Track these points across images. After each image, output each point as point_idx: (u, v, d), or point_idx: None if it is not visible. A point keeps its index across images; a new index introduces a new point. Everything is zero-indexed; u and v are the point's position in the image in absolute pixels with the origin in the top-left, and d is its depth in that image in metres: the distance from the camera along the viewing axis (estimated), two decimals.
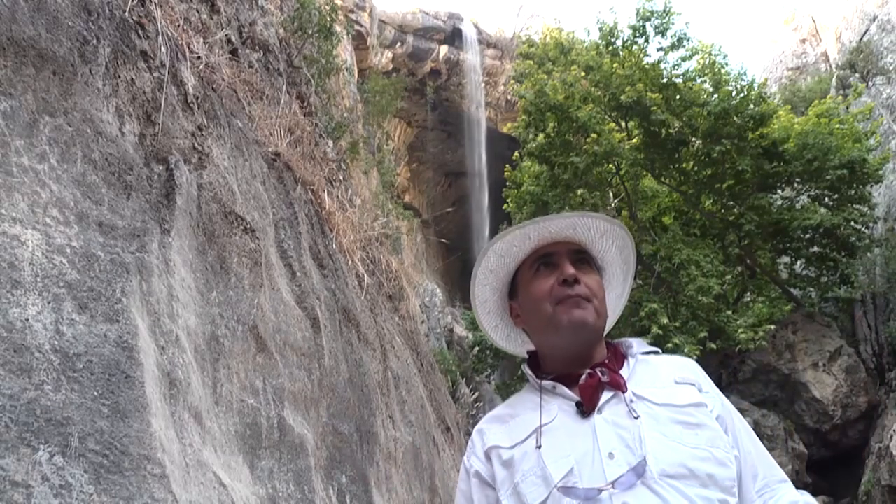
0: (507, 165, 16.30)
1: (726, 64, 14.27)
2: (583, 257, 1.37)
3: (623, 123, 14.61)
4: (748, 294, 15.05)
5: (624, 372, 1.31)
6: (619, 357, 1.36)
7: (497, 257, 1.39)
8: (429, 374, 6.09)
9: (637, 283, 13.73)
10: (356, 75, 16.75)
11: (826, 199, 13.97)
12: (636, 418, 1.20)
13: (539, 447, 1.22)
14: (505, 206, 16.32)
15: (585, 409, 1.24)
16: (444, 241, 21.15)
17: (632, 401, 1.24)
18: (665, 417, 1.22)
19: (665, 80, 13.64)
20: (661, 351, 1.44)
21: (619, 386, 1.26)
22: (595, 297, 1.31)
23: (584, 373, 1.28)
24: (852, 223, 13.55)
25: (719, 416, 1.29)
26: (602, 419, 1.22)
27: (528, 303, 1.37)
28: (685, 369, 1.36)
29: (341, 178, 5.76)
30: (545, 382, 1.32)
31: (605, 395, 1.25)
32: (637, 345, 1.40)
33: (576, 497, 1.15)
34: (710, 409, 1.27)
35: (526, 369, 1.39)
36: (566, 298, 1.29)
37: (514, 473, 1.24)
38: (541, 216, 1.41)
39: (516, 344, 1.53)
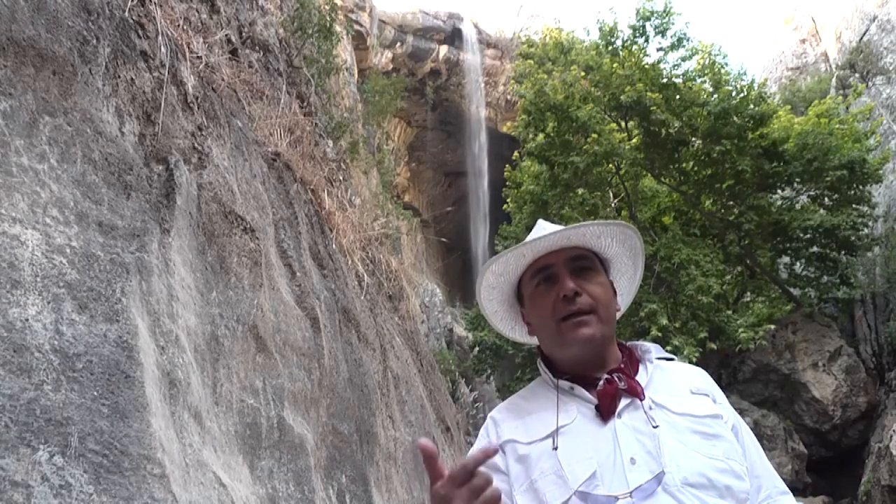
0: (507, 165, 16.29)
1: (726, 64, 14.29)
2: (581, 264, 1.35)
3: (623, 123, 14.60)
4: (748, 294, 15.04)
5: (641, 377, 1.30)
6: (633, 361, 1.35)
7: (496, 276, 1.42)
8: (429, 374, 6.08)
9: None
10: (356, 75, 16.76)
11: (826, 199, 13.97)
12: (655, 427, 1.20)
13: (555, 448, 1.22)
14: (505, 206, 16.32)
15: (604, 414, 1.24)
16: (443, 240, 21.15)
17: (650, 408, 1.24)
18: (684, 427, 1.22)
19: (665, 80, 13.63)
20: (675, 358, 1.43)
21: (636, 393, 1.25)
22: (599, 305, 1.30)
23: (601, 377, 1.27)
24: (852, 223, 13.55)
25: (733, 426, 1.29)
26: (622, 424, 1.22)
27: (534, 318, 1.38)
28: (700, 379, 1.35)
29: (341, 178, 5.75)
30: (562, 383, 1.31)
31: (623, 402, 1.25)
32: (655, 350, 1.39)
33: (594, 503, 1.15)
34: (726, 421, 1.27)
35: (541, 366, 1.38)
36: (569, 316, 1.28)
37: (530, 470, 1.23)
38: (536, 228, 1.41)
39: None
